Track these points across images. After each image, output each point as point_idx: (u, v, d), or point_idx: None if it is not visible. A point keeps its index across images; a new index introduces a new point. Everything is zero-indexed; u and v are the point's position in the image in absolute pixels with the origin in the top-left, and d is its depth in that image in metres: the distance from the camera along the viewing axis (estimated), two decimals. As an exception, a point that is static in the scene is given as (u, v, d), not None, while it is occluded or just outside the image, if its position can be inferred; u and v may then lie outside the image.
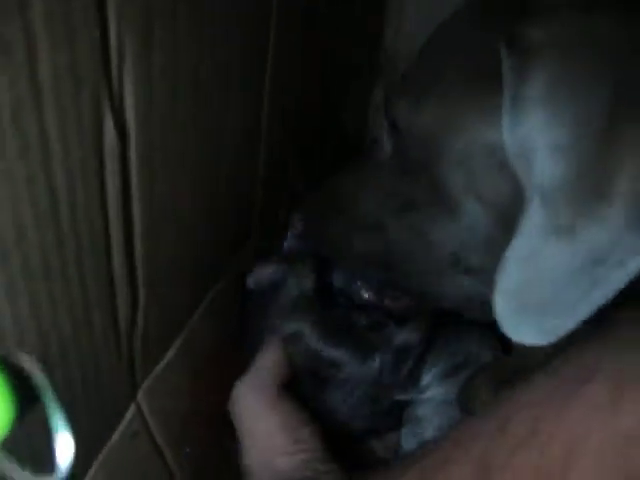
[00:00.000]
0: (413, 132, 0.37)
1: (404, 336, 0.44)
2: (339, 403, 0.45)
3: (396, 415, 0.47)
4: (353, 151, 0.52)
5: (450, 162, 0.36)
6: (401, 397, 0.45)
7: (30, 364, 0.19)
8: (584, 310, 0.32)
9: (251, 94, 0.39)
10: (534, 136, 0.31)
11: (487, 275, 0.37)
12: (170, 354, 0.38)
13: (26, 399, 0.18)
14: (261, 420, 0.40)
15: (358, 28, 0.57)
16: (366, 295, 0.46)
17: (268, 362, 0.44)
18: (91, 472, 0.31)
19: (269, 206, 0.47)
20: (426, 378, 0.44)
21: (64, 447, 0.18)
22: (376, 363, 0.43)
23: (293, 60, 0.44)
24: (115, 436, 0.34)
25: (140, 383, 0.35)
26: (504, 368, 0.45)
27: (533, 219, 0.32)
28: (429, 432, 0.46)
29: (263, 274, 0.45)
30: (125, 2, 0.23)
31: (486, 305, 0.36)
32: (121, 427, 0.34)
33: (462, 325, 0.48)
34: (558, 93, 0.31)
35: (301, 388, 0.44)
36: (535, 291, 0.33)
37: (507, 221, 0.35)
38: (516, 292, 0.33)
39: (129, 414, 0.35)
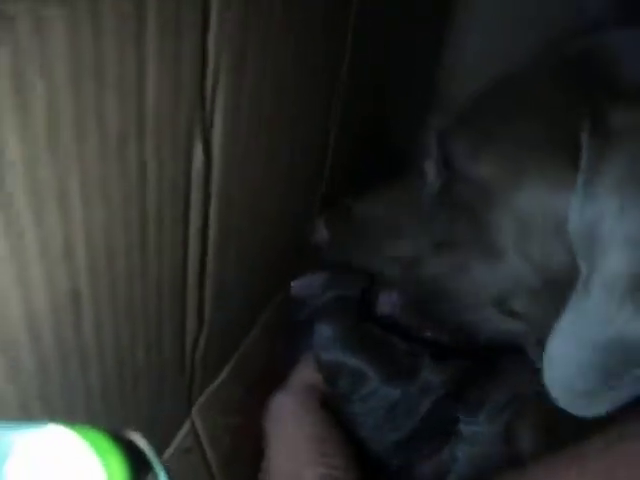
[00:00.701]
0: (468, 175, 0.36)
1: (430, 377, 0.43)
2: (361, 419, 0.44)
3: (416, 449, 0.46)
4: (397, 165, 0.51)
5: (504, 215, 0.34)
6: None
7: (139, 440, 0.19)
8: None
9: (320, 115, 0.39)
10: (605, 222, 0.30)
11: (532, 321, 0.36)
12: (226, 370, 0.37)
13: (136, 474, 0.19)
14: (293, 429, 0.40)
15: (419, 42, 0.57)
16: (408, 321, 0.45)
17: (308, 376, 0.43)
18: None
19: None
20: (482, 414, 0.43)
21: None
22: (397, 392, 0.43)
23: (364, 68, 0.43)
24: (170, 450, 0.34)
25: (195, 399, 0.35)
26: (546, 410, 0.44)
27: (589, 301, 0.31)
28: (464, 469, 0.45)
29: (305, 283, 0.45)
30: (224, 23, 0.23)
31: (530, 346, 0.35)
32: (175, 442, 0.34)
33: (505, 356, 0.47)
34: (637, 182, 0.29)
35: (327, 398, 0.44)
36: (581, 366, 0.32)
37: (552, 283, 0.34)
38: (562, 364, 0.33)
39: (184, 430, 0.35)
